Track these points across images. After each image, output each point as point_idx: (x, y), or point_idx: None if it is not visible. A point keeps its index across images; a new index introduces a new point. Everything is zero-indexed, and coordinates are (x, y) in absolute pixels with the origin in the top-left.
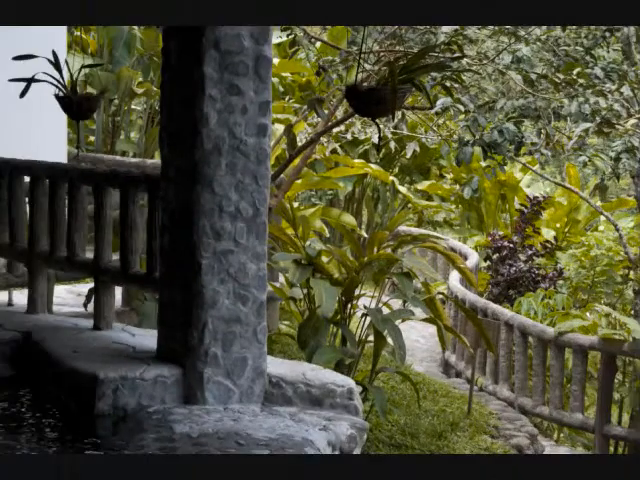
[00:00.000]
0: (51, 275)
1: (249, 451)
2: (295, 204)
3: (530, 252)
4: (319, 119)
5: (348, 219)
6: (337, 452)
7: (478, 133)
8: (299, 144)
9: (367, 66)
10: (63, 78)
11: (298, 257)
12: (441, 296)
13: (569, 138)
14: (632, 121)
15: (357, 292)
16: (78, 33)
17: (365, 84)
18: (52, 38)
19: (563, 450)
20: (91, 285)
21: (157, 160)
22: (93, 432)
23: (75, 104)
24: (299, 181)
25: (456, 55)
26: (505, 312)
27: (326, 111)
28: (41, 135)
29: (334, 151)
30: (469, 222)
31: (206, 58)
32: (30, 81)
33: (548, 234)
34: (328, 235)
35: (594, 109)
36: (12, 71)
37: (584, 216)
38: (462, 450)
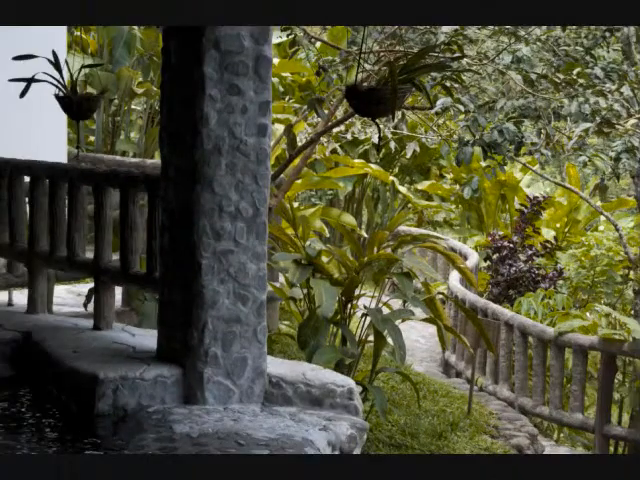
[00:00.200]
0: (51, 275)
1: (249, 451)
2: (295, 204)
3: (530, 252)
4: (319, 119)
5: (348, 219)
6: (337, 452)
7: (478, 133)
8: (299, 144)
9: (367, 66)
10: (63, 78)
11: (298, 257)
12: (441, 296)
13: (569, 138)
14: (632, 121)
15: (357, 292)
16: (78, 33)
17: (365, 84)
18: (52, 38)
19: (563, 450)
20: (91, 285)
21: (157, 160)
22: (93, 432)
23: (75, 104)
24: (299, 181)
25: (456, 55)
26: (505, 312)
27: (326, 111)
28: (41, 135)
29: (334, 151)
30: (469, 222)
31: (206, 58)
32: (30, 81)
33: (548, 234)
34: (328, 235)
35: (594, 109)
36: (12, 71)
37: (584, 216)
38: (462, 450)
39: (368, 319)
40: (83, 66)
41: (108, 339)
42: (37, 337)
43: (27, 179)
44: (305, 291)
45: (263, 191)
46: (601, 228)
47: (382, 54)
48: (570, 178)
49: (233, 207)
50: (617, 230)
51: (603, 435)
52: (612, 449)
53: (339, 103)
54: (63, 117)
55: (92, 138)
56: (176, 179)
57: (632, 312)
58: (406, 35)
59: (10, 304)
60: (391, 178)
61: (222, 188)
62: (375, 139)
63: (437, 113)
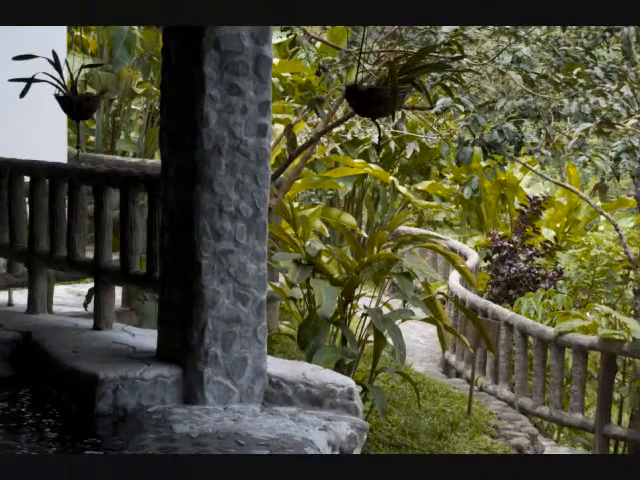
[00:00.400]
0: (51, 275)
1: (249, 451)
2: (295, 204)
3: (530, 252)
4: (319, 119)
5: (348, 219)
6: (337, 452)
7: (478, 133)
8: (299, 144)
9: (367, 66)
10: (63, 78)
11: (298, 257)
12: (441, 296)
13: (569, 138)
14: (632, 121)
15: (357, 292)
16: (78, 33)
17: (365, 84)
18: (52, 38)
19: (563, 450)
20: (91, 285)
21: (157, 160)
22: (93, 432)
23: (75, 104)
24: (299, 181)
25: (456, 55)
26: (505, 312)
27: (326, 111)
28: (41, 135)
29: (334, 151)
30: (469, 222)
31: (206, 58)
32: (30, 81)
33: (548, 234)
34: (328, 235)
35: (594, 109)
36: (12, 71)
37: (584, 216)
38: (462, 450)
39: (368, 319)
40: (83, 66)
41: (108, 339)
42: (37, 337)
43: (27, 179)
44: (305, 291)
45: (263, 191)
46: (601, 228)
47: (382, 54)
48: (570, 178)
49: (233, 207)
50: (617, 230)
51: (603, 435)
52: (612, 449)
53: (339, 103)
54: (63, 117)
55: (92, 138)
56: (176, 179)
57: (632, 312)
58: (406, 35)
59: (10, 304)
60: (391, 178)
61: (222, 188)
62: (375, 139)
63: (437, 113)
